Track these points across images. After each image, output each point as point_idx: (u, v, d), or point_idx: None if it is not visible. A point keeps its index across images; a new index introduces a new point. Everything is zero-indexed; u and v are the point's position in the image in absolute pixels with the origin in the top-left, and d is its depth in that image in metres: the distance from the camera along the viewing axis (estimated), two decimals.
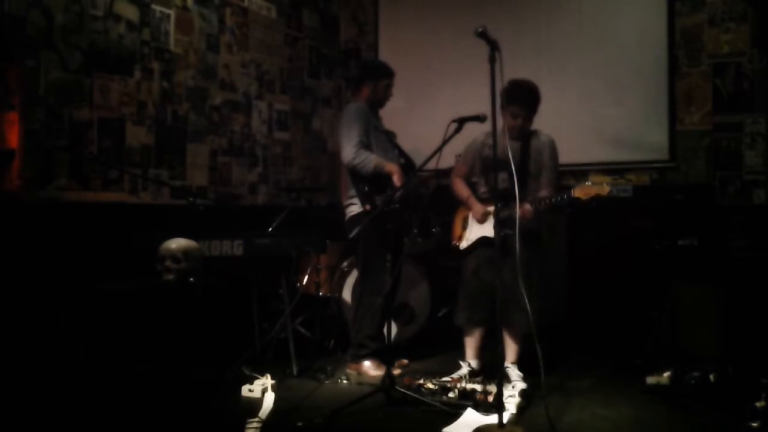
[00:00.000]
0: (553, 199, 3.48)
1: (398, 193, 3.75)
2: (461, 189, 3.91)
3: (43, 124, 3.88)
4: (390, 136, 4.21)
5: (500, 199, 3.31)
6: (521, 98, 3.56)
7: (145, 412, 3.20)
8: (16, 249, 3.52)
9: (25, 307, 3.47)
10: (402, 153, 4.21)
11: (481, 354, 3.83)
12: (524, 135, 3.70)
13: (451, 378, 3.55)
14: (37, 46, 3.86)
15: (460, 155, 4.03)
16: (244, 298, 4.08)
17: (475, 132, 3.84)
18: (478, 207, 3.75)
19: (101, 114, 4.21)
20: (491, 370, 3.74)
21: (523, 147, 3.67)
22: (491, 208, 3.70)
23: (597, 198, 3.33)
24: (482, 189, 3.85)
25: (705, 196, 4.88)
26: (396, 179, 3.90)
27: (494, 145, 2.96)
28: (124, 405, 3.25)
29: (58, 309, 3.46)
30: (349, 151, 3.92)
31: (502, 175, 3.46)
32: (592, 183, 3.32)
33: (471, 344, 3.82)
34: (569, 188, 3.43)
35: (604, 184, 3.30)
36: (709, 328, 3.90)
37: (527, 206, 3.44)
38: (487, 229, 3.67)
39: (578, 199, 3.35)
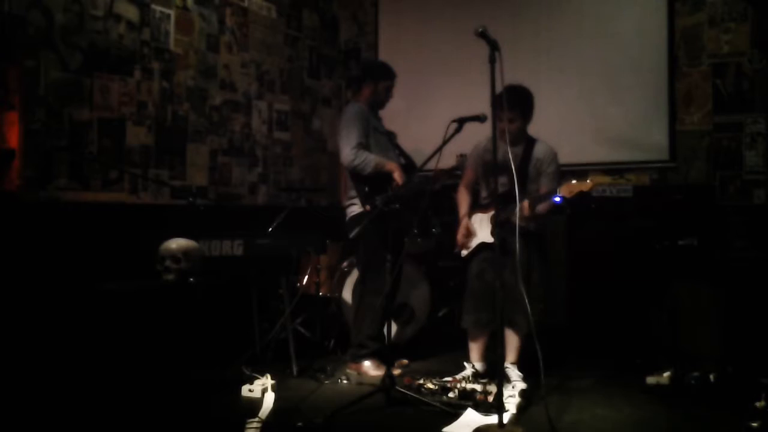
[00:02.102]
0: (542, 197, 3.49)
1: (399, 192, 3.75)
2: (460, 202, 3.95)
3: (43, 124, 3.88)
4: (391, 136, 4.21)
5: (500, 202, 3.31)
6: (514, 102, 3.54)
7: (145, 412, 3.20)
8: (17, 249, 3.52)
9: (25, 307, 3.47)
10: (402, 153, 4.21)
11: (485, 357, 3.83)
12: (520, 139, 3.69)
13: (452, 378, 3.55)
14: (37, 46, 3.86)
15: (461, 155, 4.03)
16: (244, 298, 4.08)
17: (475, 132, 3.84)
18: (462, 228, 3.80)
19: (101, 114, 4.21)
20: (491, 371, 3.75)
21: (524, 153, 3.68)
22: (482, 215, 3.74)
23: (581, 194, 3.35)
24: (483, 194, 3.86)
25: (705, 196, 4.87)
26: (397, 177, 3.90)
27: (494, 149, 2.95)
28: (124, 405, 3.25)
29: (58, 309, 3.46)
30: (349, 152, 3.92)
31: (502, 179, 3.48)
32: (577, 181, 3.34)
33: (476, 347, 3.82)
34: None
35: (588, 180, 3.33)
36: (709, 328, 3.90)
37: (525, 203, 3.43)
38: (485, 235, 3.69)
39: (564, 197, 3.39)
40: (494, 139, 2.99)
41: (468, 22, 3.10)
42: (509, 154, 3.12)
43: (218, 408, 3.33)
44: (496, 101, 3.05)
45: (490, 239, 3.63)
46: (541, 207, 3.59)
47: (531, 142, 3.74)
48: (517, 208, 3.34)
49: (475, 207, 3.86)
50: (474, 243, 3.76)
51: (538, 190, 3.68)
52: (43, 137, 3.87)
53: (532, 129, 3.83)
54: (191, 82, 4.85)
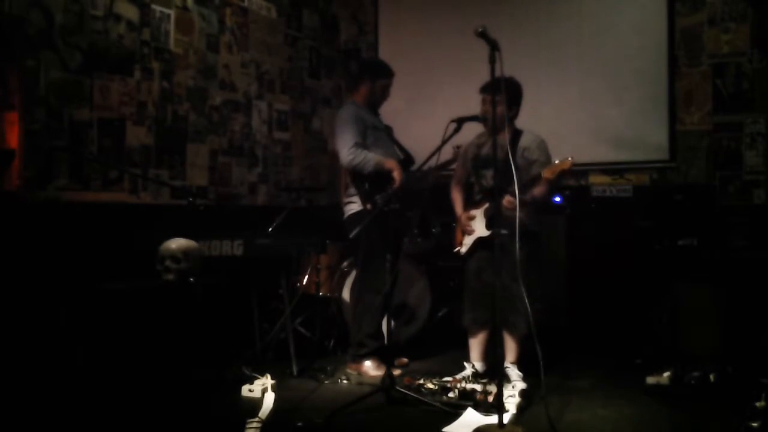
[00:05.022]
0: (526, 184, 3.45)
1: (397, 190, 3.77)
2: (455, 200, 3.96)
3: (43, 124, 3.88)
4: (389, 131, 4.21)
5: (490, 196, 3.29)
6: (500, 86, 3.48)
7: (145, 412, 3.20)
8: (17, 249, 3.52)
9: (25, 307, 3.47)
10: (401, 147, 4.21)
11: (485, 356, 3.83)
12: (505, 126, 3.61)
13: (452, 378, 3.55)
14: (37, 46, 3.86)
15: (457, 147, 4.02)
16: (244, 298, 4.08)
17: (474, 132, 3.85)
18: (462, 218, 3.79)
19: (101, 114, 4.21)
20: (491, 370, 3.75)
21: (511, 144, 3.65)
22: (475, 211, 3.73)
23: (563, 173, 3.34)
24: (476, 189, 3.86)
25: (705, 196, 4.87)
26: (396, 175, 3.90)
27: (494, 145, 2.95)
28: (124, 405, 3.25)
29: (58, 309, 3.46)
30: (346, 152, 3.92)
31: (490, 173, 3.47)
32: (558, 161, 3.32)
33: (476, 346, 3.82)
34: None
35: (568, 158, 3.31)
36: (709, 328, 3.90)
37: (508, 197, 3.40)
38: (480, 230, 3.68)
39: (548, 179, 3.37)
40: (494, 136, 2.99)
41: (468, 21, 3.11)
42: (501, 144, 3.09)
43: (218, 408, 3.33)
44: (487, 86, 3.05)
45: (485, 233, 3.63)
46: (537, 191, 3.55)
47: (517, 133, 3.73)
48: (506, 201, 3.33)
49: (469, 204, 3.85)
50: (470, 240, 3.75)
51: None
52: (43, 137, 3.86)
53: (533, 128, 3.82)
54: (191, 82, 4.85)
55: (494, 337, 3.52)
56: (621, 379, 3.81)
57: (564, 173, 3.36)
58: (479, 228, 3.70)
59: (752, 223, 4.59)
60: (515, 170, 3.04)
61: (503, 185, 3.23)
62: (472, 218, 3.74)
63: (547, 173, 3.36)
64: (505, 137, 3.38)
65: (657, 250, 4.34)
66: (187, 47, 4.83)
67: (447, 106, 4.10)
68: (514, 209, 3.10)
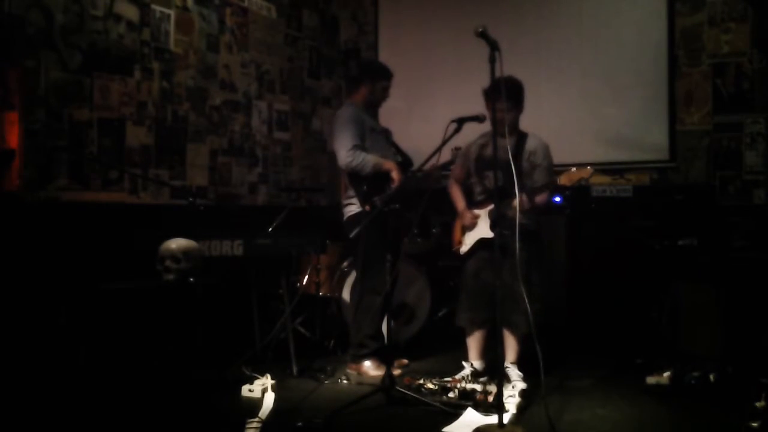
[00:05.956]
0: (539, 188, 3.48)
1: (396, 191, 3.76)
2: (455, 197, 3.96)
3: (43, 124, 3.88)
4: (387, 134, 4.21)
5: (493, 197, 3.29)
6: (509, 92, 3.48)
7: (145, 412, 3.20)
8: (17, 249, 3.52)
9: (25, 307, 3.47)
10: (399, 150, 4.21)
11: (484, 355, 3.83)
12: (512, 129, 3.61)
13: (452, 378, 3.55)
14: (37, 46, 3.86)
15: (456, 148, 4.03)
16: (244, 298, 4.08)
17: (474, 132, 3.85)
18: (467, 215, 3.78)
19: (101, 114, 4.21)
20: (491, 370, 3.75)
21: (516, 146, 3.66)
22: (478, 211, 3.73)
23: (581, 181, 3.34)
24: (477, 189, 3.86)
25: (705, 196, 4.87)
26: (395, 176, 3.90)
27: (494, 145, 2.96)
28: (125, 405, 3.25)
29: (58, 309, 3.47)
30: (345, 154, 3.92)
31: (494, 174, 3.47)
32: (577, 169, 3.32)
33: (473, 345, 3.82)
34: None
35: (588, 168, 3.31)
36: (709, 328, 3.90)
37: (523, 197, 3.39)
38: (484, 231, 3.68)
39: (564, 185, 3.38)
40: (494, 136, 2.99)
41: (468, 22, 3.10)
42: (507, 147, 3.10)
43: (218, 408, 3.33)
44: (490, 92, 3.09)
45: (489, 234, 3.62)
46: (539, 198, 3.58)
47: (523, 135, 3.74)
48: (517, 202, 3.33)
49: (470, 205, 3.85)
50: (472, 240, 3.75)
51: (534, 183, 3.65)
52: (43, 137, 3.87)
53: (533, 129, 3.83)
54: (191, 82, 4.85)
55: (492, 336, 3.52)
56: (621, 379, 3.81)
57: (581, 181, 3.36)
58: (483, 229, 3.69)
59: (752, 223, 4.59)
60: (519, 173, 3.05)
61: (507, 187, 3.23)
62: (476, 217, 3.74)
63: (564, 180, 3.35)
64: (506, 139, 3.38)
65: (657, 250, 4.34)
66: (187, 47, 4.83)
67: (447, 106, 4.10)
68: (524, 211, 3.11)
